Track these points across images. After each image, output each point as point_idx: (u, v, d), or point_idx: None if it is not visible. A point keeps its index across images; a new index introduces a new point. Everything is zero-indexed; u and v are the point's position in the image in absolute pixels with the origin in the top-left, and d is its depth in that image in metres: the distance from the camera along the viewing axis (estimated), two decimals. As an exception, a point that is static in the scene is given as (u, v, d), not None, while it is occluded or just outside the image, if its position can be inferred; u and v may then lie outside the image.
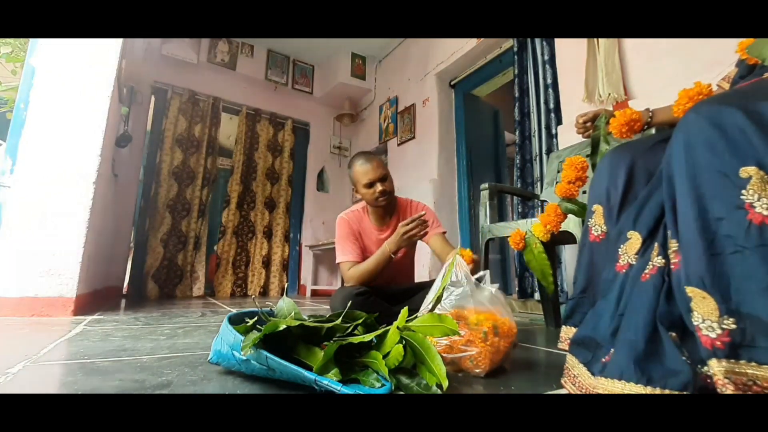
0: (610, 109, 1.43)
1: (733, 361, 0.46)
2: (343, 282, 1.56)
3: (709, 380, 0.51)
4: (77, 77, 1.80)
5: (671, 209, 0.57)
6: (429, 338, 0.69)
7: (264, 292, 3.88)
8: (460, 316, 0.82)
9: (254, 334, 0.65)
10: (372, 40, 3.95)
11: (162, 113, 3.62)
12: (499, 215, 1.71)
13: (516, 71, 2.64)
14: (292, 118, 4.33)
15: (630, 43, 1.91)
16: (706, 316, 0.49)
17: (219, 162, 3.90)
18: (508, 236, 1.55)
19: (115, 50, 1.93)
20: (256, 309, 0.87)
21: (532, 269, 1.18)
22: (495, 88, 3.34)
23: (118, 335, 1.19)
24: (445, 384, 0.62)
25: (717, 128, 0.53)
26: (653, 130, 1.09)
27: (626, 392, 0.52)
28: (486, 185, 1.71)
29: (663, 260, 0.58)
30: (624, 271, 0.65)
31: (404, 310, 0.72)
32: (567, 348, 0.72)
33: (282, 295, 3.79)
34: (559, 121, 2.26)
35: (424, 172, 3.30)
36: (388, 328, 0.72)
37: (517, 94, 2.61)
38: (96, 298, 2.23)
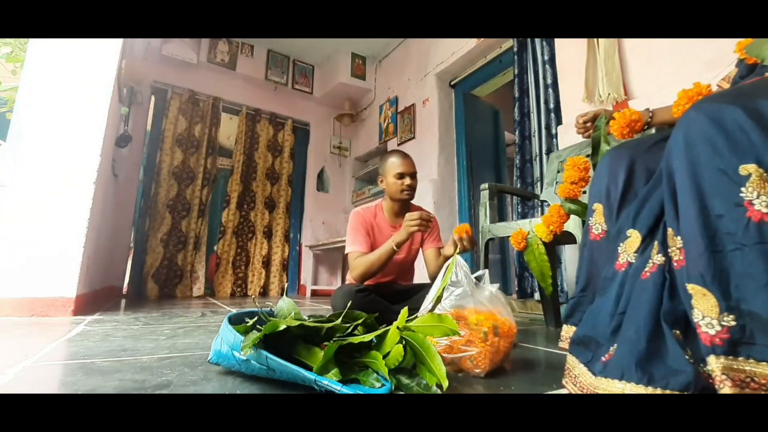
0: (610, 109, 1.43)
1: (731, 357, 0.46)
2: (343, 281, 1.57)
3: (710, 380, 0.51)
4: (77, 77, 1.80)
5: (672, 205, 0.57)
6: (429, 338, 0.69)
7: (264, 292, 3.88)
8: (460, 316, 0.82)
9: (254, 334, 0.65)
10: (372, 40, 3.96)
11: (162, 113, 3.62)
12: (499, 215, 1.71)
13: (516, 71, 2.64)
14: (292, 118, 4.33)
15: (630, 43, 1.91)
16: (706, 313, 0.49)
17: (219, 162, 3.90)
18: (508, 236, 1.56)
19: (115, 50, 1.93)
20: (256, 309, 0.87)
21: (532, 269, 1.18)
22: (495, 88, 3.34)
23: (118, 335, 1.19)
24: (445, 384, 0.62)
25: (717, 126, 0.53)
26: (653, 130, 1.09)
27: (627, 392, 0.52)
28: (486, 185, 1.71)
29: (663, 258, 0.58)
30: (623, 269, 0.65)
31: (404, 310, 0.72)
32: (567, 347, 0.72)
33: (282, 295, 3.79)
34: (559, 121, 2.26)
35: (424, 172, 3.30)
36: (388, 328, 0.72)
37: (517, 94, 2.61)
38: (96, 298, 2.23)
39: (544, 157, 2.33)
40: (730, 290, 0.48)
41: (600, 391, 0.55)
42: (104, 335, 1.18)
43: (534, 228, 1.17)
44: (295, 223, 4.27)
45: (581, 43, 2.08)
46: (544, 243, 1.15)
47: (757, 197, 0.48)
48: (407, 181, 1.53)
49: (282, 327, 0.66)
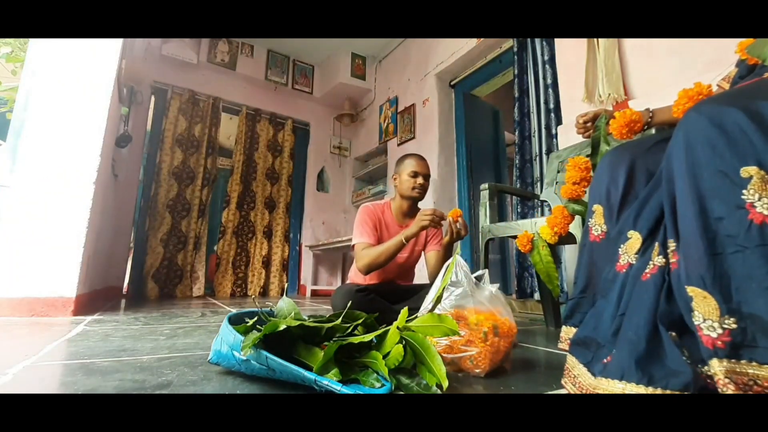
0: (610, 109, 1.43)
1: (734, 360, 0.46)
2: (343, 281, 1.58)
3: (709, 380, 0.51)
4: (77, 77, 1.80)
5: (671, 208, 0.57)
6: (429, 338, 0.69)
7: (264, 292, 3.88)
8: (460, 316, 0.82)
9: (254, 334, 0.65)
10: (372, 40, 3.96)
11: (162, 113, 3.62)
12: (499, 215, 1.71)
13: (516, 71, 2.64)
14: (292, 118, 4.33)
15: (630, 43, 1.91)
16: (707, 315, 0.49)
17: (219, 162, 3.90)
18: (508, 236, 1.56)
19: (115, 50, 1.93)
20: (256, 309, 0.87)
21: (539, 271, 1.18)
22: (495, 88, 3.34)
23: (118, 335, 1.19)
24: (445, 384, 0.62)
25: (717, 127, 0.53)
26: (653, 130, 1.09)
27: (627, 392, 0.52)
28: (486, 185, 1.72)
29: (663, 259, 0.58)
30: (624, 270, 0.65)
31: (404, 310, 0.72)
32: (567, 348, 0.72)
33: (282, 295, 3.79)
34: (559, 121, 2.26)
35: (424, 172, 3.30)
36: (388, 328, 0.72)
37: (517, 94, 2.61)
38: (96, 298, 2.23)
39: (544, 157, 2.33)
40: (731, 293, 0.48)
41: (600, 392, 0.55)
42: (104, 335, 1.18)
43: (539, 230, 1.17)
44: (295, 223, 4.27)
45: (581, 43, 2.08)
46: (548, 244, 1.15)
47: (759, 199, 0.48)
48: (420, 180, 1.59)
49: (282, 327, 0.66)
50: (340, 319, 0.80)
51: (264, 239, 3.98)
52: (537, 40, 2.50)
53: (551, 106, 2.33)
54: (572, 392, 0.63)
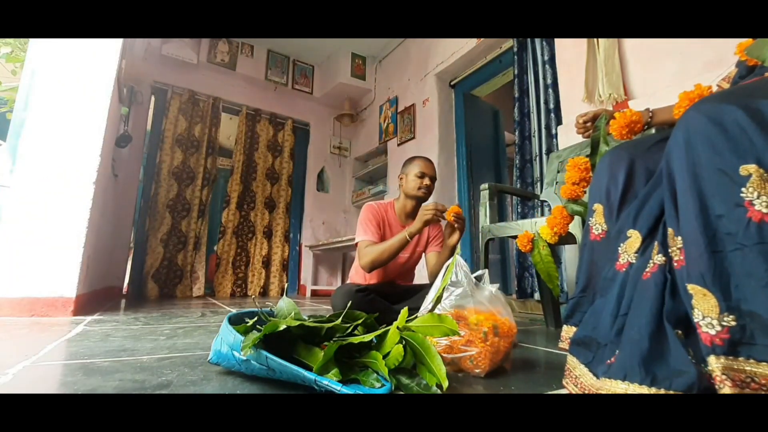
0: (610, 109, 1.43)
1: (731, 358, 0.46)
2: (343, 281, 1.58)
3: (712, 380, 0.51)
4: (77, 77, 1.80)
5: (673, 205, 0.57)
6: (429, 338, 0.69)
7: (264, 292, 3.88)
8: (460, 316, 0.82)
9: (254, 334, 0.65)
10: (372, 40, 3.96)
11: (162, 113, 3.62)
12: (499, 215, 1.71)
13: (516, 71, 2.64)
14: (292, 118, 4.33)
15: (630, 43, 1.91)
16: (706, 313, 0.49)
17: (219, 162, 3.90)
18: (508, 236, 1.56)
19: (115, 50, 1.93)
20: (256, 309, 0.87)
21: (539, 271, 1.19)
22: (495, 88, 3.34)
23: (118, 335, 1.19)
24: (445, 384, 0.62)
25: (717, 126, 0.53)
26: (653, 130, 1.09)
27: (630, 392, 0.52)
28: (486, 185, 1.72)
29: (663, 258, 0.58)
30: (624, 269, 0.65)
31: (404, 310, 0.72)
32: (567, 348, 0.72)
33: (282, 295, 3.79)
34: (559, 121, 2.26)
35: (424, 172, 3.30)
36: (388, 328, 0.72)
37: (517, 94, 2.61)
38: (96, 298, 2.23)
39: (544, 157, 2.33)
40: (731, 290, 0.48)
41: (603, 392, 0.55)
42: (104, 335, 1.18)
43: (539, 230, 1.17)
44: (295, 223, 4.27)
45: (581, 43, 2.08)
46: (548, 244, 1.15)
47: (758, 197, 0.48)
48: (426, 181, 1.62)
49: (282, 327, 0.66)
50: (340, 319, 0.80)
51: (264, 239, 3.98)
52: (537, 40, 2.50)
53: (551, 106, 2.33)
54: (574, 392, 0.63)
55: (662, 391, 0.49)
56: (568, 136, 2.01)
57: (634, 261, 0.64)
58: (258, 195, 4.03)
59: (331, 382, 0.58)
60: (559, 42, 2.30)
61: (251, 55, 4.05)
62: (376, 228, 1.58)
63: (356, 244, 1.58)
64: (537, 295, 2.29)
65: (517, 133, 2.57)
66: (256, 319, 0.78)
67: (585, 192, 1.04)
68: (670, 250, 0.57)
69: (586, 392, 0.60)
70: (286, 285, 3.98)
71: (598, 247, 0.77)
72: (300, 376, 0.61)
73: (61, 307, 1.60)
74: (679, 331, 0.53)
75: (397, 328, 0.70)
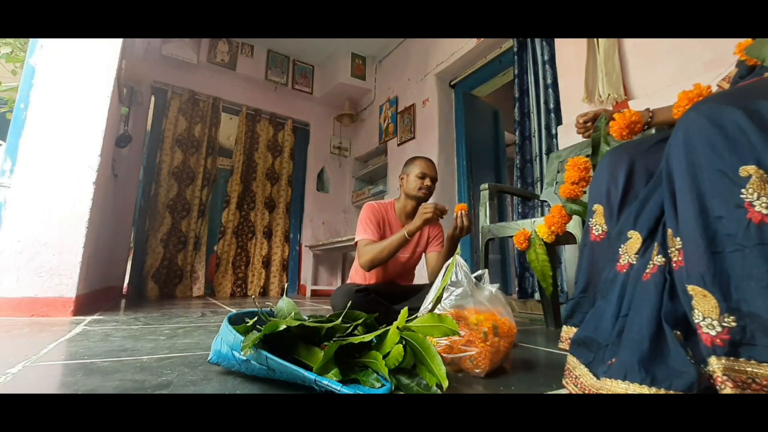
0: (610, 109, 1.43)
1: (732, 358, 0.46)
2: (343, 281, 1.58)
3: (711, 380, 0.51)
4: (77, 77, 1.80)
5: (672, 206, 0.57)
6: (429, 338, 0.69)
7: (264, 292, 3.88)
8: (460, 316, 0.82)
9: (254, 334, 0.65)
10: (372, 40, 3.96)
11: (162, 113, 3.62)
12: (499, 215, 1.71)
13: (516, 71, 2.64)
14: (292, 118, 4.33)
15: (630, 43, 1.91)
16: (706, 314, 0.49)
17: (219, 162, 3.90)
18: (508, 236, 1.56)
19: (115, 50, 1.93)
20: (256, 309, 0.87)
21: (534, 269, 1.19)
22: (495, 88, 3.34)
23: (118, 335, 1.19)
24: (445, 384, 0.62)
25: (717, 127, 0.53)
26: (653, 130, 1.09)
27: (630, 393, 0.52)
28: (486, 185, 1.72)
29: (663, 259, 0.58)
30: (624, 270, 0.65)
31: (404, 310, 0.72)
32: (567, 348, 0.72)
33: (282, 295, 3.79)
34: (559, 121, 2.26)
35: (424, 172, 3.30)
36: (388, 328, 0.72)
37: (517, 95, 2.61)
38: (96, 298, 2.23)
39: (544, 157, 2.33)
40: (731, 291, 0.48)
41: (603, 392, 0.55)
42: (104, 335, 1.18)
43: (536, 228, 1.17)
44: (295, 223, 4.27)
45: (581, 43, 2.08)
46: (546, 243, 1.15)
47: (758, 198, 0.48)
48: (427, 182, 1.62)
49: (282, 327, 0.66)
50: (340, 319, 0.80)
51: (264, 239, 3.98)
52: (537, 40, 2.50)
53: (551, 106, 2.33)
54: (574, 392, 0.63)
55: (662, 391, 0.49)
56: (568, 136, 2.01)
57: (634, 262, 0.64)
58: (258, 195, 4.03)
59: (331, 382, 0.58)
60: (559, 42, 2.30)
61: (251, 55, 4.05)
62: (376, 227, 1.58)
63: (356, 243, 1.58)
64: (537, 295, 2.29)
65: (517, 133, 2.57)
66: (256, 319, 0.78)
67: (584, 192, 1.04)
68: (669, 251, 0.58)
69: (586, 392, 0.60)
70: (286, 285, 3.98)
71: (599, 247, 0.77)
72: (300, 376, 0.61)
73: (61, 307, 1.60)
74: (678, 332, 0.53)
75: (397, 328, 0.70)
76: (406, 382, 0.64)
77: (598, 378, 0.59)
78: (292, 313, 0.82)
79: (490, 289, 0.88)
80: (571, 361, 0.67)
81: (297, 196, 4.32)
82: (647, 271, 0.60)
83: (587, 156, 1.05)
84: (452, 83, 3.42)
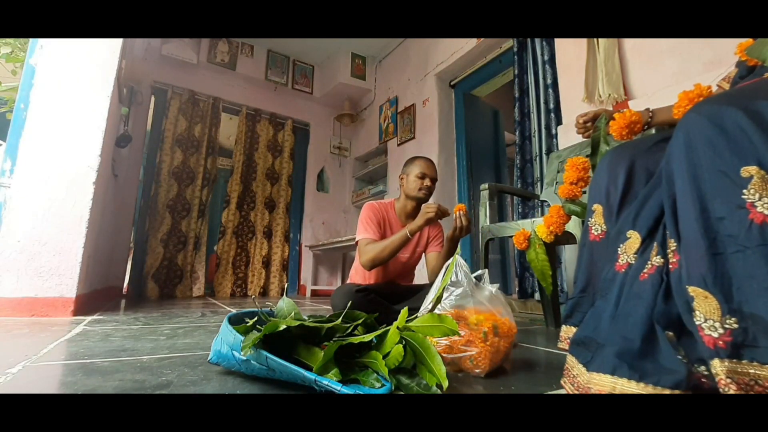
0: (610, 109, 1.43)
1: (735, 361, 0.46)
2: (343, 281, 1.58)
3: (704, 380, 0.51)
4: (77, 77, 1.80)
5: (671, 208, 0.57)
6: (429, 338, 0.69)
7: (264, 292, 3.88)
8: (460, 316, 0.82)
9: (254, 334, 0.65)
10: (372, 40, 3.95)
11: (162, 113, 3.62)
12: (499, 215, 1.71)
13: (516, 71, 2.64)
14: (292, 119, 4.33)
15: (630, 43, 1.91)
16: (708, 315, 0.49)
17: (219, 162, 3.90)
18: (508, 236, 1.56)
19: (115, 50, 1.93)
20: (256, 309, 0.87)
21: (533, 269, 1.19)
22: (495, 88, 3.34)
23: (118, 335, 1.19)
24: (445, 384, 0.62)
25: (718, 127, 0.52)
26: (653, 130, 1.09)
27: (618, 387, 0.52)
28: (486, 185, 1.72)
29: (662, 259, 0.58)
30: (623, 270, 0.65)
31: (404, 310, 0.72)
32: (567, 347, 0.72)
33: (282, 295, 3.79)
34: (559, 121, 2.26)
35: (424, 172, 3.29)
36: (388, 328, 0.72)
37: (517, 95, 2.61)
38: (96, 298, 2.23)
39: (544, 157, 2.33)
40: (732, 293, 0.48)
41: (592, 386, 0.56)
42: (104, 335, 1.18)
43: (536, 228, 1.17)
44: (295, 223, 4.27)
45: (581, 43, 2.08)
46: (545, 243, 1.15)
47: (759, 199, 0.48)
48: (427, 182, 1.62)
49: (282, 327, 0.66)
50: (340, 319, 0.80)
51: (264, 239, 3.98)
52: (537, 40, 2.50)
53: (551, 106, 2.33)
54: (571, 392, 0.63)
55: (650, 387, 0.50)
56: (568, 136, 2.01)
57: (633, 262, 0.64)
58: (258, 195, 4.03)
59: (331, 382, 0.58)
60: (559, 42, 2.30)
61: (251, 55, 4.05)
62: (376, 227, 1.58)
63: (357, 242, 1.58)
64: (537, 295, 2.29)
65: (517, 133, 2.57)
66: (256, 319, 0.78)
67: (583, 192, 1.04)
68: (668, 251, 0.58)
69: (581, 391, 0.60)
70: (286, 285, 3.98)
71: (598, 247, 0.77)
72: (300, 376, 0.61)
73: (61, 307, 1.60)
74: (671, 333, 0.53)
75: (397, 328, 0.70)
76: (406, 382, 0.64)
77: (588, 372, 0.59)
78: (292, 313, 0.82)
79: (490, 289, 0.88)
80: (570, 360, 0.67)
81: (297, 196, 4.32)
82: (645, 270, 0.60)
83: (587, 156, 1.05)
84: (452, 83, 3.42)
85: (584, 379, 0.60)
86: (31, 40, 1.80)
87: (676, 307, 0.53)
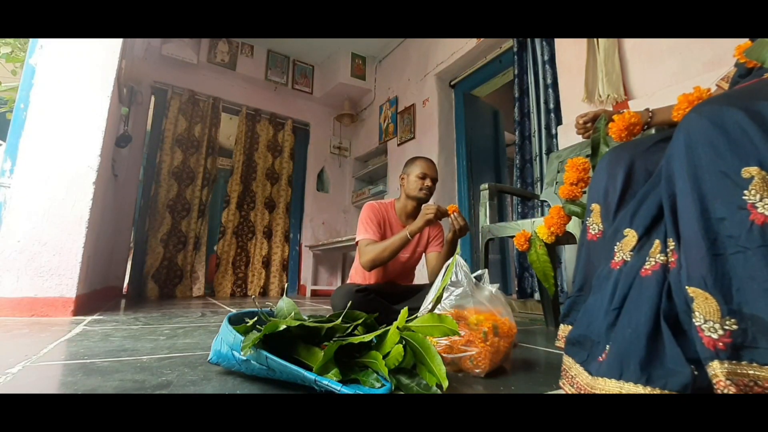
0: (610, 109, 1.43)
1: (734, 362, 0.46)
2: (343, 281, 1.58)
3: (705, 381, 0.51)
4: (77, 77, 1.80)
5: (670, 208, 0.57)
6: (429, 338, 0.69)
7: (264, 292, 3.88)
8: (460, 316, 0.82)
9: (254, 334, 0.65)
10: (372, 40, 3.95)
11: (162, 113, 3.62)
12: (499, 215, 1.71)
13: (516, 71, 2.64)
14: (292, 119, 4.33)
15: (630, 43, 1.91)
16: (708, 316, 0.49)
17: (219, 162, 3.90)
18: (508, 236, 1.56)
19: (115, 50, 1.93)
20: (255, 309, 0.87)
21: (535, 270, 1.19)
22: (495, 88, 3.34)
23: (118, 335, 1.19)
24: (445, 384, 0.62)
25: (718, 128, 0.52)
26: (653, 130, 1.09)
27: (625, 392, 0.52)
28: (486, 185, 1.72)
29: (665, 257, 0.58)
30: (618, 267, 0.65)
31: (404, 310, 0.72)
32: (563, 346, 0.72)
33: (282, 295, 3.79)
34: (558, 121, 2.26)
35: (424, 172, 3.29)
36: (388, 328, 0.72)
37: (517, 94, 2.61)
38: (96, 298, 2.23)
39: (544, 157, 2.33)
40: (732, 294, 0.48)
41: (597, 391, 0.55)
42: (104, 335, 1.18)
43: (536, 229, 1.17)
44: (295, 223, 4.27)
45: (581, 43, 2.08)
46: (546, 243, 1.15)
47: (760, 200, 0.48)
48: (428, 182, 1.62)
49: (282, 327, 0.66)
50: (340, 319, 0.80)
51: (264, 239, 3.98)
52: (537, 40, 2.50)
53: (551, 106, 2.33)
54: (571, 393, 0.63)
55: (657, 391, 0.49)
56: (568, 136, 2.01)
57: (629, 259, 0.64)
58: (258, 195, 4.03)
59: (331, 382, 0.58)
60: (559, 42, 2.30)
61: (251, 55, 4.05)
62: (376, 227, 1.58)
63: (357, 242, 1.58)
64: (537, 295, 2.29)
65: (517, 133, 2.57)
66: (256, 319, 0.78)
67: (583, 192, 1.04)
68: (667, 250, 0.58)
69: (582, 391, 0.59)
70: (286, 285, 3.98)
71: (595, 246, 0.77)
72: (300, 376, 0.61)
73: (61, 307, 1.60)
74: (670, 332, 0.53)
75: (397, 328, 0.70)
76: (406, 382, 0.64)
77: (592, 375, 0.59)
78: (292, 313, 0.82)
79: (490, 289, 0.88)
80: (567, 361, 0.67)
81: (297, 196, 4.32)
82: (647, 267, 0.59)
83: (587, 156, 1.05)
84: (452, 83, 3.42)
85: (585, 381, 0.60)
86: (31, 40, 1.80)
87: (676, 306, 0.53)
